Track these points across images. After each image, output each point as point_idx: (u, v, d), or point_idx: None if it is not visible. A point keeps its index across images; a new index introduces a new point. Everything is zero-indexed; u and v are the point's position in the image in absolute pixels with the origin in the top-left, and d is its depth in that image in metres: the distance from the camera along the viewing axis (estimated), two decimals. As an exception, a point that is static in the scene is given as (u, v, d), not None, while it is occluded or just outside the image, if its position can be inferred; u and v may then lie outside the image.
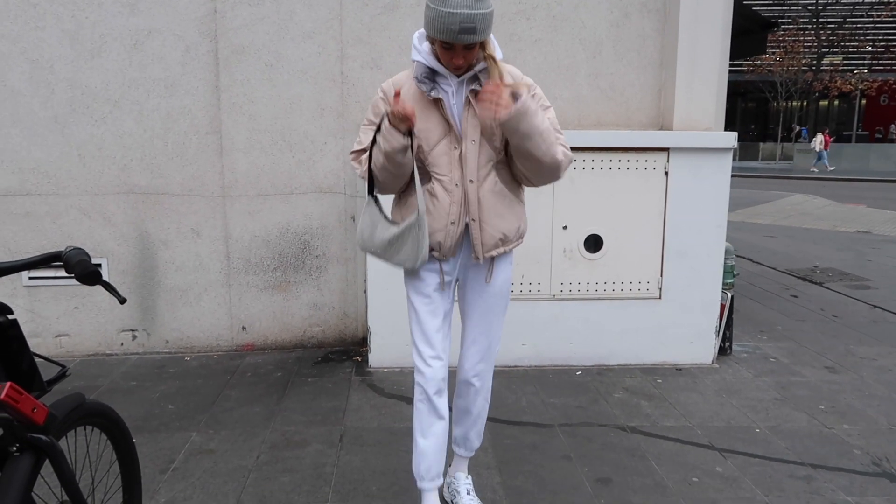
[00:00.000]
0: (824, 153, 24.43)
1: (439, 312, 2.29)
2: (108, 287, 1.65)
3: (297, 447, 2.99)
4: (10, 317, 1.57)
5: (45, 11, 3.78)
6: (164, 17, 3.86)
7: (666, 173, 3.91)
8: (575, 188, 3.88)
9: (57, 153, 3.92)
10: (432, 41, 2.06)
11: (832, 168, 24.07)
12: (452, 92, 2.15)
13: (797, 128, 34.59)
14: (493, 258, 2.28)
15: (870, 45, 34.32)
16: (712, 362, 4.11)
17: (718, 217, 3.98)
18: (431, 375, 2.27)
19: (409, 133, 2.04)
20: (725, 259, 4.12)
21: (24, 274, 3.99)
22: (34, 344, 4.03)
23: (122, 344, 4.15)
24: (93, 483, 1.95)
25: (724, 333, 4.24)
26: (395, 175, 2.14)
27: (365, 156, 2.20)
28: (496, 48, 2.11)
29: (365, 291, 4.19)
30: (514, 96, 1.97)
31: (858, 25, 33.68)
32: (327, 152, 4.08)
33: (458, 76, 2.12)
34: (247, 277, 4.16)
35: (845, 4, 33.71)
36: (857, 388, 3.77)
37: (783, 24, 32.58)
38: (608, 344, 4.03)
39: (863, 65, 34.85)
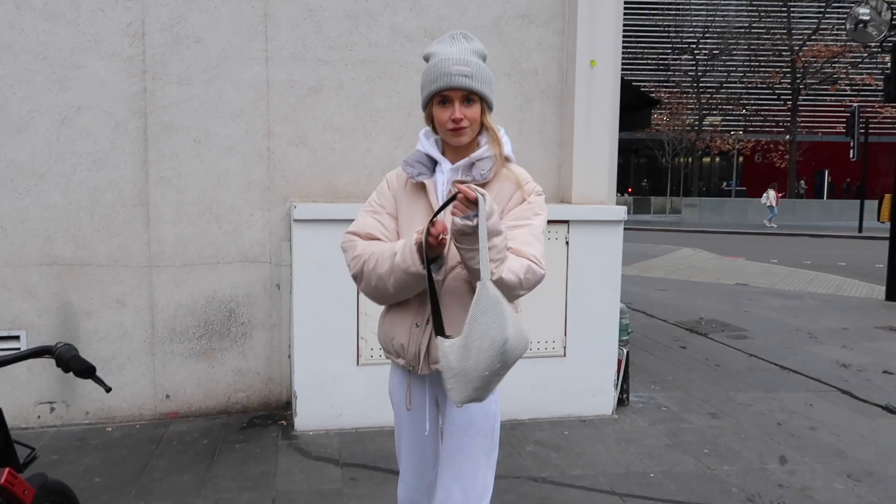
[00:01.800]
0: (775, 208, 24.90)
1: (415, 432, 2.12)
2: (98, 380, 1.81)
3: (231, 513, 3.11)
4: None
5: (-30, 87, 3.84)
6: (94, 95, 3.99)
7: (567, 243, 4.36)
8: (487, 257, 4.24)
9: (-23, 225, 3.92)
10: (430, 106, 1.98)
11: (774, 225, 24.26)
12: (444, 181, 2.03)
13: (726, 183, 37.22)
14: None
15: (744, 109, 37.77)
16: (612, 413, 4.52)
17: (613, 281, 4.46)
18: (402, 496, 2.22)
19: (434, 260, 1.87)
20: (620, 318, 4.59)
21: (-65, 347, 3.91)
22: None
23: (38, 417, 4.10)
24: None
25: (622, 386, 4.68)
26: (394, 296, 1.97)
27: (362, 253, 1.99)
28: (504, 139, 2.04)
29: (290, 356, 4.36)
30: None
31: (732, 91, 37.08)
32: (254, 223, 4.28)
33: (455, 144, 1.98)
34: (172, 346, 4.24)
35: (720, 72, 37.09)
36: (735, 432, 4.27)
37: (667, 87, 35.43)
38: (519, 400, 4.36)
39: (738, 126, 38.24)
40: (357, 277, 2.02)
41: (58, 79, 3.94)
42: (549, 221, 4.31)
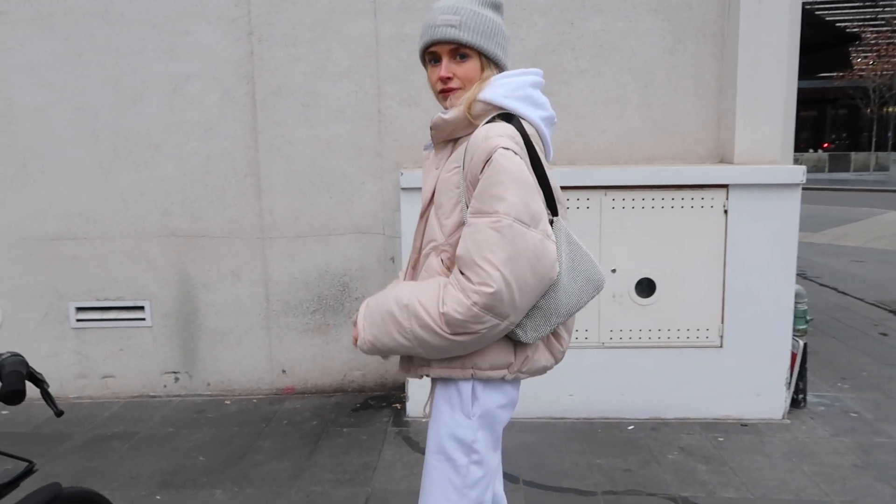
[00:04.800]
0: None
1: None
2: (46, 396, 1.52)
3: (320, 511, 2.86)
4: None
5: (89, 60, 3.85)
6: (202, 62, 3.86)
7: (725, 212, 3.59)
8: (623, 229, 3.61)
9: (101, 198, 3.97)
10: (426, 67, 1.70)
11: None
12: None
13: None
14: (432, 380, 1.71)
15: (973, 46, 31.88)
16: (783, 417, 3.73)
17: (786, 259, 3.62)
18: None
19: None
20: (796, 303, 3.75)
21: (72, 315, 4.06)
22: (81, 385, 4.09)
23: (164, 386, 4.16)
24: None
25: (797, 384, 3.85)
26: None
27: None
28: (501, 82, 1.60)
29: (405, 335, 4.05)
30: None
31: (961, 25, 31.38)
32: (365, 192, 3.98)
33: (443, 101, 1.67)
34: (286, 320, 4.09)
35: (945, 3, 31.52)
36: (952, 454, 3.32)
37: (875, 26, 30.71)
38: (664, 396, 3.72)
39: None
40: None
41: (168, 47, 3.85)
42: (702, 186, 3.62)
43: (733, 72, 3.72)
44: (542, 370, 1.71)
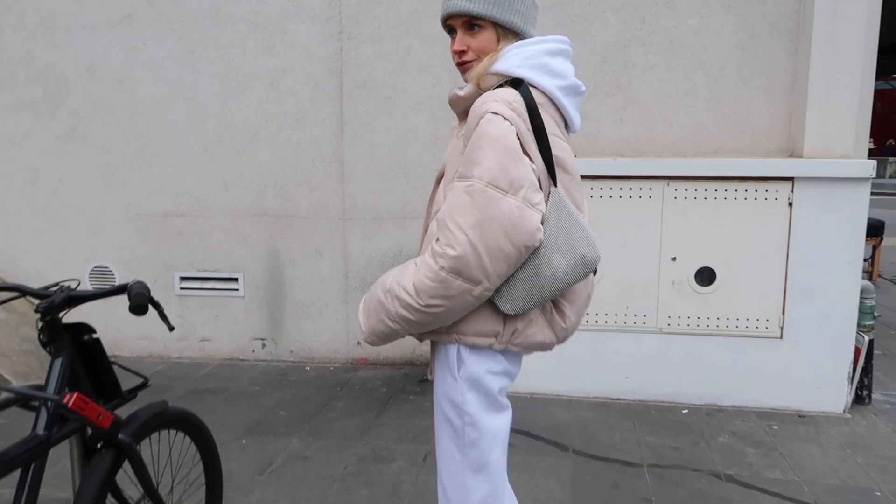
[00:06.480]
0: None
1: None
2: (163, 317, 1.86)
3: (383, 462, 3.15)
4: (94, 335, 1.82)
5: (200, 57, 4.33)
6: (297, 58, 4.26)
7: (790, 204, 3.64)
8: (686, 218, 3.72)
9: (206, 180, 4.44)
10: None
11: None
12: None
13: None
14: (434, 344, 1.72)
15: None
16: (844, 412, 3.73)
17: (852, 253, 3.63)
18: None
19: None
20: (863, 298, 3.74)
21: (177, 284, 4.56)
22: (182, 347, 4.58)
23: (253, 351, 4.59)
24: (172, 480, 2.22)
25: (862, 381, 3.84)
26: None
27: None
28: (509, 65, 1.57)
29: (472, 315, 4.30)
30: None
31: None
32: (439, 179, 4.26)
33: (463, 74, 1.67)
34: (362, 296, 4.42)
35: None
36: None
37: None
38: (721, 384, 3.80)
39: None
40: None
41: (267, 44, 4.27)
42: (766, 178, 3.68)
43: (805, 67, 3.75)
44: (541, 346, 1.69)
